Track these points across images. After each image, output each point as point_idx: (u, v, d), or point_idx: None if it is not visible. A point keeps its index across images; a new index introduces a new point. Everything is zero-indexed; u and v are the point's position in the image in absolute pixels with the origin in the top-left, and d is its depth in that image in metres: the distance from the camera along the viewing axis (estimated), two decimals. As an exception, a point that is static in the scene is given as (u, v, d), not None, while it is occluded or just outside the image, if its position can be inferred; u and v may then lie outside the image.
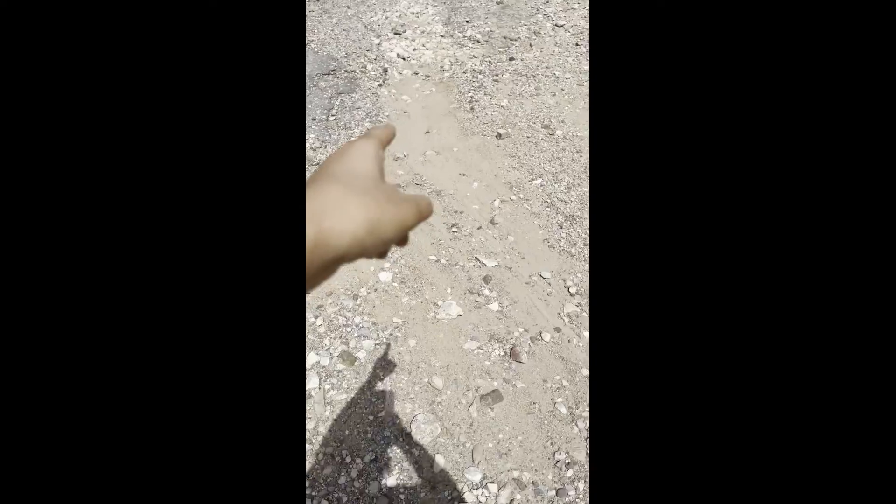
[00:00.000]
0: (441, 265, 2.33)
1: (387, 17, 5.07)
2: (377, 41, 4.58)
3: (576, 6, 5.63)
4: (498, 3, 5.48)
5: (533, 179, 2.90)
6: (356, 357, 1.91)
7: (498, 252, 2.42)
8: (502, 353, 1.95)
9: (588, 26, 4.51)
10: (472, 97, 3.73)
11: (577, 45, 4.52)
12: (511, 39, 4.70)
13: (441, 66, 4.24)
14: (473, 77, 4.02)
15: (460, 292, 2.20)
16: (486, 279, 2.27)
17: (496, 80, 3.95)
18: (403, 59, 4.42)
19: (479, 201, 2.75)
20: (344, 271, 2.25)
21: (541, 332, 2.04)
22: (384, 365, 1.88)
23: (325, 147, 3.14)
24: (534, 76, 4.01)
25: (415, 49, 4.57)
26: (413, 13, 5.23)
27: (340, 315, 2.06)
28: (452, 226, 2.57)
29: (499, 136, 3.27)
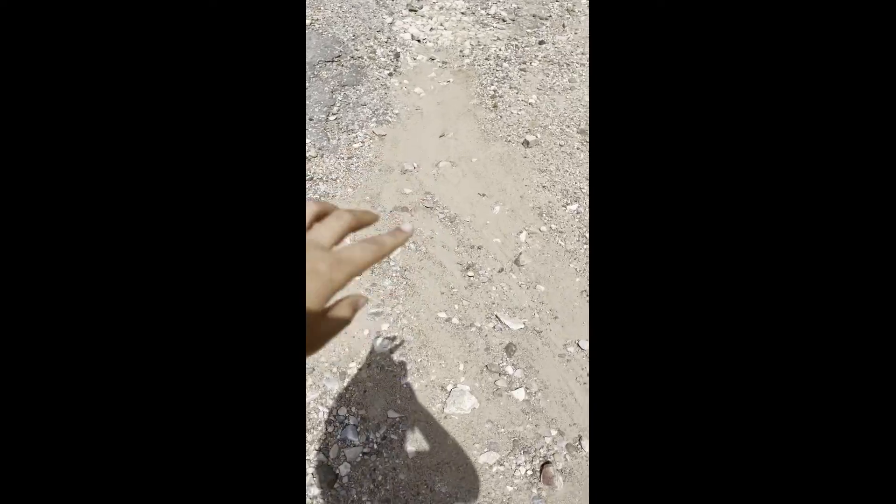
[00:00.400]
0: (453, 326, 1.82)
1: (401, -9, 4.42)
2: (389, 20, 3.96)
3: (614, -23, 4.91)
4: (526, -27, 4.79)
5: (567, 204, 2.33)
6: (336, 474, 1.42)
7: (524, 307, 1.89)
8: (530, 472, 1.45)
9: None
10: (495, 91, 3.13)
11: (617, 25, 3.85)
12: (541, 18, 4.04)
13: (461, 51, 3.63)
14: (497, 65, 3.41)
15: (476, 370, 1.68)
16: (510, 349, 1.74)
17: (523, 70, 3.34)
18: (418, 41, 3.81)
19: (502, 232, 2.20)
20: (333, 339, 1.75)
21: (580, 437, 1.52)
22: (372, 489, 1.39)
23: (322, 156, 2.60)
24: (567, 65, 3.39)
25: (431, 29, 3.94)
26: (431, -14, 4.57)
27: (321, 404, 1.57)
28: (468, 267, 2.04)
29: (526, 143, 2.69)
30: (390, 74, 3.35)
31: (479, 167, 2.55)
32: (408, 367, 1.68)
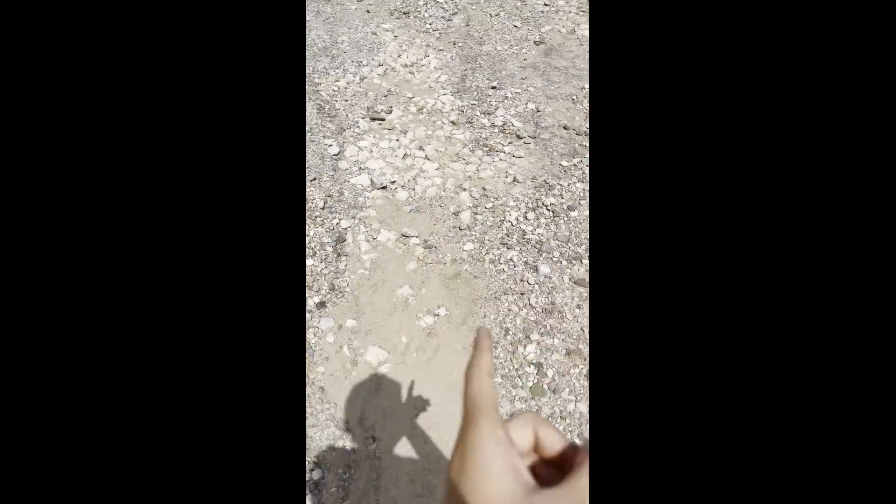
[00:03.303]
0: None
1: (360, 79, 2.52)
2: (335, 147, 2.08)
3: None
4: (538, 43, 2.92)
5: None
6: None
7: None
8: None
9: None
10: (539, 375, 1.30)
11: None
12: (577, 133, 2.21)
13: (455, 213, 1.79)
14: (528, 262, 1.60)
15: None
16: None
17: (580, 285, 1.52)
18: (382, 187, 1.94)
19: None
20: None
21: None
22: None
23: None
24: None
25: (405, 156, 2.09)
26: (405, 65, 2.68)
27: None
28: None
29: None
30: (319, 306, 1.47)
31: None
32: None
